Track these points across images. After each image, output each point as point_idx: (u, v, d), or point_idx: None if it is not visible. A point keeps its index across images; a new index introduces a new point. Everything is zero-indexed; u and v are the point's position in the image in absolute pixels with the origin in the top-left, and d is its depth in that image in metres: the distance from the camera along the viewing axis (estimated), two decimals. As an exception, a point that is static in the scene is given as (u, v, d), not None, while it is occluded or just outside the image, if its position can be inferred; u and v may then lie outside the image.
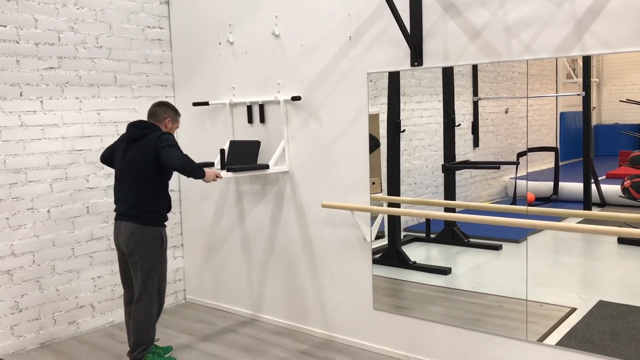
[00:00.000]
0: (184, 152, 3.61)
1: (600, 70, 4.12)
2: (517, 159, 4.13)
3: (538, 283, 3.38)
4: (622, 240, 3.76)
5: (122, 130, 4.55)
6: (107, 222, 4.53)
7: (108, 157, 3.83)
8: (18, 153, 4.02)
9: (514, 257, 3.98)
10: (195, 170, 3.51)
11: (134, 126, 3.64)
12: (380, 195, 4.02)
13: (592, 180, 3.95)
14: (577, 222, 3.49)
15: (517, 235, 3.79)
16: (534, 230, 3.63)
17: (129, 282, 3.68)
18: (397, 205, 4.08)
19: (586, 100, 3.96)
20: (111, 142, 4.48)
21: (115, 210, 3.66)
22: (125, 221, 3.55)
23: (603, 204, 3.98)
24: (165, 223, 3.67)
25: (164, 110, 3.70)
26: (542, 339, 3.22)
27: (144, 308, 3.56)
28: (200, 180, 3.76)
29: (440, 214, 3.98)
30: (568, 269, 4.08)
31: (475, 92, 4.10)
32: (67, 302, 4.33)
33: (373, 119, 3.81)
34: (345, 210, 3.82)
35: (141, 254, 3.52)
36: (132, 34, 4.62)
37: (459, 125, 4.16)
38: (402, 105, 4.04)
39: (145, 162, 3.50)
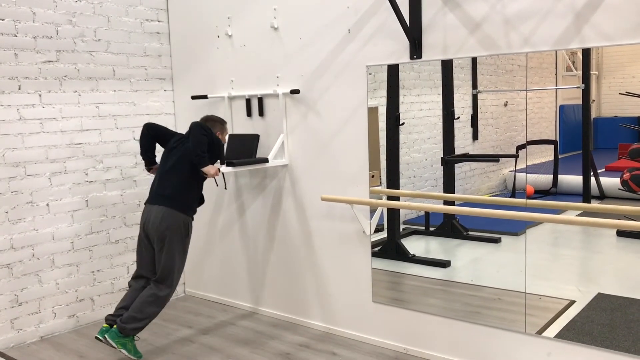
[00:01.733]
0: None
1: (600, 63, 4.12)
2: (517, 151, 4.12)
3: (537, 275, 3.38)
4: (621, 233, 3.76)
5: (121, 123, 4.57)
6: (106, 215, 4.53)
7: (158, 134, 3.91)
8: (17, 147, 4.02)
9: (513, 249, 3.99)
10: (203, 152, 3.60)
11: (200, 126, 3.74)
12: (379, 188, 4.02)
13: (592, 173, 3.95)
14: (577, 215, 3.50)
15: (516, 228, 3.79)
16: (533, 223, 3.64)
17: (144, 262, 3.79)
18: (397, 198, 4.08)
19: (586, 93, 3.95)
20: (110, 136, 4.51)
21: (149, 194, 3.79)
22: (158, 204, 3.68)
23: (602, 196, 3.98)
24: (194, 216, 3.81)
25: (212, 126, 3.86)
26: (540, 332, 3.23)
27: (161, 290, 3.69)
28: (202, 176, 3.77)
29: (439, 207, 3.98)
30: (567, 261, 4.08)
31: (474, 85, 4.09)
32: (67, 295, 4.34)
33: (372, 112, 3.80)
34: (344, 204, 3.82)
35: (170, 239, 3.65)
36: (130, 27, 4.61)
37: (458, 118, 4.15)
38: (401, 98, 4.03)
39: (191, 157, 3.65)
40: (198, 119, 4.68)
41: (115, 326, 3.66)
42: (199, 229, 4.89)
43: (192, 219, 3.80)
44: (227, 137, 4.06)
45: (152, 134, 3.91)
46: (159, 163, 3.89)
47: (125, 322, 3.63)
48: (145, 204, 3.78)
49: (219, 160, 3.91)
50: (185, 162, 3.69)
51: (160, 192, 3.71)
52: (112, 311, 4.58)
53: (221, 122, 3.97)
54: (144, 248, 3.77)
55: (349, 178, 3.85)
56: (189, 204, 3.75)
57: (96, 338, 3.67)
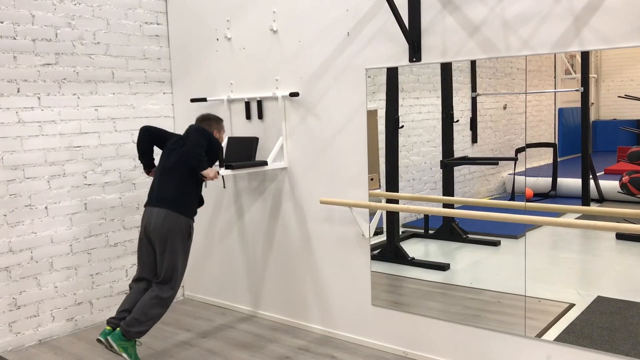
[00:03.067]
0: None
1: (599, 66, 4.12)
2: (516, 154, 4.12)
3: (536, 279, 3.38)
4: (621, 236, 3.76)
5: (120, 126, 4.57)
6: (105, 218, 4.52)
7: (155, 137, 3.91)
8: (15, 149, 4.01)
9: (512, 252, 3.98)
10: (201, 156, 3.60)
11: (197, 128, 3.75)
12: (378, 191, 4.02)
13: (591, 176, 3.95)
14: (576, 218, 3.49)
15: (516, 231, 3.79)
16: (533, 226, 3.63)
17: (146, 264, 3.74)
18: (396, 201, 4.07)
19: (584, 96, 3.95)
20: (109, 139, 4.50)
21: (149, 197, 3.75)
22: (160, 207, 3.65)
23: (601, 199, 3.97)
24: (194, 218, 3.78)
25: (208, 125, 3.88)
26: (540, 335, 3.23)
27: (164, 292, 3.64)
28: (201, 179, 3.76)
29: (438, 210, 3.98)
30: (566, 264, 4.08)
31: (473, 88, 4.09)
32: (66, 298, 4.33)
33: (371, 115, 3.80)
34: (343, 207, 3.82)
35: (171, 241, 3.63)
36: (129, 30, 4.61)
37: (458, 121, 4.15)
38: (400, 101, 4.03)
39: (190, 160, 3.64)
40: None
41: (118, 329, 3.58)
42: (198, 232, 4.88)
43: (193, 221, 3.78)
44: (224, 137, 4.03)
45: (148, 138, 3.89)
46: (157, 165, 3.87)
47: (129, 326, 3.56)
48: (145, 206, 3.75)
49: (217, 163, 3.91)
50: (183, 164, 3.67)
51: (161, 196, 3.68)
52: (112, 314, 4.58)
53: (217, 121, 3.96)
54: (145, 250, 3.73)
55: (348, 181, 3.84)
56: (190, 206, 3.73)
57: (98, 340, 3.60)
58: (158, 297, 3.62)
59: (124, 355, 3.57)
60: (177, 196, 3.66)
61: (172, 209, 3.63)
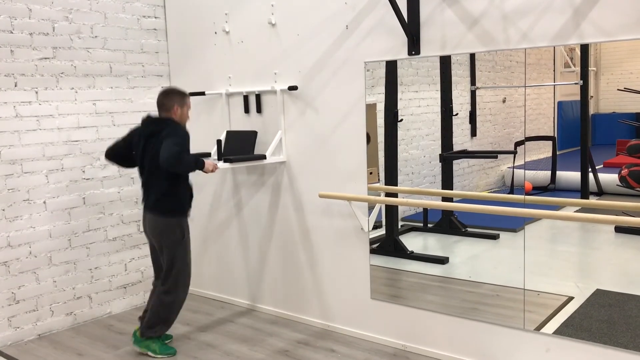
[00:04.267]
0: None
1: (598, 59, 4.11)
2: (515, 148, 4.12)
3: (535, 272, 3.38)
4: (620, 229, 3.76)
5: (118, 120, 4.55)
6: (104, 213, 4.52)
7: (117, 153, 3.83)
8: (13, 144, 4.00)
9: (511, 246, 3.99)
10: (186, 165, 3.48)
11: (149, 123, 3.68)
12: (377, 185, 4.02)
13: (590, 169, 3.95)
14: (575, 211, 3.50)
15: (515, 225, 3.79)
16: (532, 220, 3.64)
17: (155, 262, 3.86)
18: (395, 195, 4.07)
19: (584, 89, 3.95)
20: (107, 133, 4.49)
21: (142, 202, 3.79)
22: (149, 213, 3.70)
23: (600, 192, 3.98)
24: (189, 213, 3.79)
25: (170, 99, 3.66)
26: (539, 328, 3.23)
27: (167, 296, 3.73)
28: (198, 172, 3.74)
29: (437, 203, 3.98)
30: (565, 257, 4.08)
31: (472, 81, 4.09)
32: (65, 293, 4.32)
33: (370, 108, 3.79)
34: (342, 200, 3.81)
35: (165, 244, 3.68)
36: (127, 23, 4.59)
37: (457, 114, 4.15)
38: (399, 95, 4.02)
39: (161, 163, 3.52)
40: (195, 116, 4.66)
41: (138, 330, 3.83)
42: (197, 226, 4.88)
43: (186, 218, 3.73)
44: (189, 112, 3.74)
45: (113, 155, 3.83)
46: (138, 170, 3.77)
47: (145, 328, 3.77)
48: (143, 210, 3.80)
49: (216, 157, 3.90)
50: (157, 167, 3.51)
51: (147, 201, 3.70)
52: (111, 308, 4.60)
53: (180, 94, 3.69)
54: (152, 250, 3.85)
55: (347, 175, 3.84)
56: (178, 205, 3.67)
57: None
58: (161, 301, 3.74)
59: (149, 353, 3.76)
60: (161, 201, 3.62)
61: (159, 213, 3.64)
